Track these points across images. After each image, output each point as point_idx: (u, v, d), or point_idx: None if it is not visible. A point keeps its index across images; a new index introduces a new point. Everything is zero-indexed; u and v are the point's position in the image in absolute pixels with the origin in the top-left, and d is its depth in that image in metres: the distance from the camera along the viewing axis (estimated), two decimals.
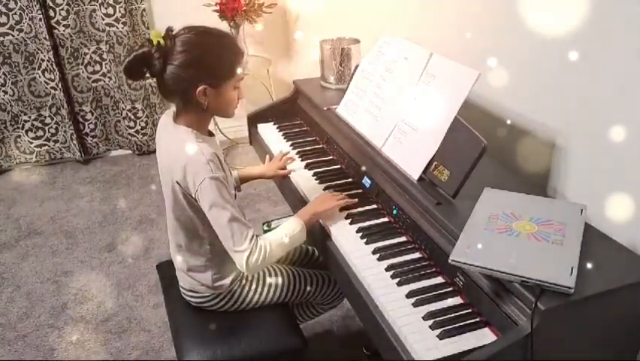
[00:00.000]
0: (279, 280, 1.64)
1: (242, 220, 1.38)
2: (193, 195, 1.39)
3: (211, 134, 1.51)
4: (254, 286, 1.60)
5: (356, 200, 1.62)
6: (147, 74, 1.39)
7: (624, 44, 1.28)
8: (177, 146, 1.39)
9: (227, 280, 1.55)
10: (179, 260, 1.56)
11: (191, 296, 1.60)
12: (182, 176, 1.37)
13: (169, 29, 1.37)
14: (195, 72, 1.36)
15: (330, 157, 1.92)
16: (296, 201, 1.76)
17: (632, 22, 1.25)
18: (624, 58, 1.29)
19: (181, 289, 1.62)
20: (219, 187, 1.36)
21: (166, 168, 1.45)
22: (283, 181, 1.88)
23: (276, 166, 1.87)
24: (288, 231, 1.47)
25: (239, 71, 1.42)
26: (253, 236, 1.39)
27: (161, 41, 1.34)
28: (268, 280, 1.62)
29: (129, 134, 3.58)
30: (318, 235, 1.57)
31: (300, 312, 1.92)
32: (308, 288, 1.71)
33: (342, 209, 1.59)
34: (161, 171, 1.49)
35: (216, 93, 1.40)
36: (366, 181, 1.66)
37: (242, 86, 1.48)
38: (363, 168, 1.69)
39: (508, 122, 1.69)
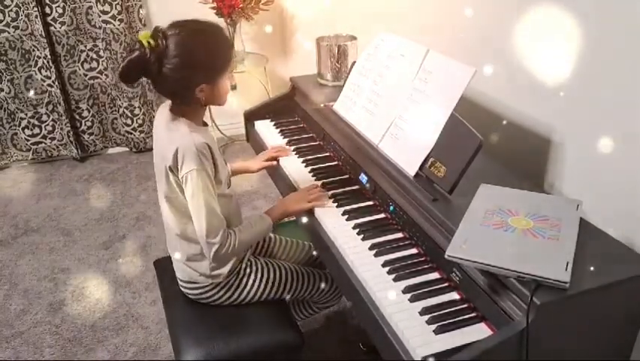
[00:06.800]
0: (277, 275, 1.65)
1: (219, 214, 1.43)
2: (180, 179, 1.42)
3: (205, 124, 1.54)
4: (251, 280, 1.61)
5: (331, 193, 1.64)
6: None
7: (623, 43, 1.29)
8: (171, 134, 1.43)
9: (224, 270, 1.56)
10: (176, 251, 1.58)
11: (189, 288, 1.60)
12: (173, 162, 1.40)
13: (157, 29, 1.38)
14: (192, 74, 1.39)
15: (327, 154, 1.92)
16: None
17: (630, 21, 1.25)
18: (622, 55, 1.29)
19: (179, 282, 1.63)
20: (204, 179, 1.40)
21: (159, 156, 1.48)
22: (280, 178, 1.88)
23: (263, 159, 1.91)
24: (255, 228, 1.53)
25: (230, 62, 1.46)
26: (225, 231, 1.44)
27: (152, 42, 1.34)
28: (266, 274, 1.63)
29: (126, 131, 3.58)
30: (314, 232, 1.57)
31: (297, 311, 1.93)
32: (305, 285, 1.71)
33: (338, 206, 1.60)
34: (155, 161, 1.52)
35: (213, 88, 1.44)
36: (363, 177, 1.67)
37: (238, 82, 1.49)
38: (360, 165, 1.69)
39: (504, 118, 1.70)
